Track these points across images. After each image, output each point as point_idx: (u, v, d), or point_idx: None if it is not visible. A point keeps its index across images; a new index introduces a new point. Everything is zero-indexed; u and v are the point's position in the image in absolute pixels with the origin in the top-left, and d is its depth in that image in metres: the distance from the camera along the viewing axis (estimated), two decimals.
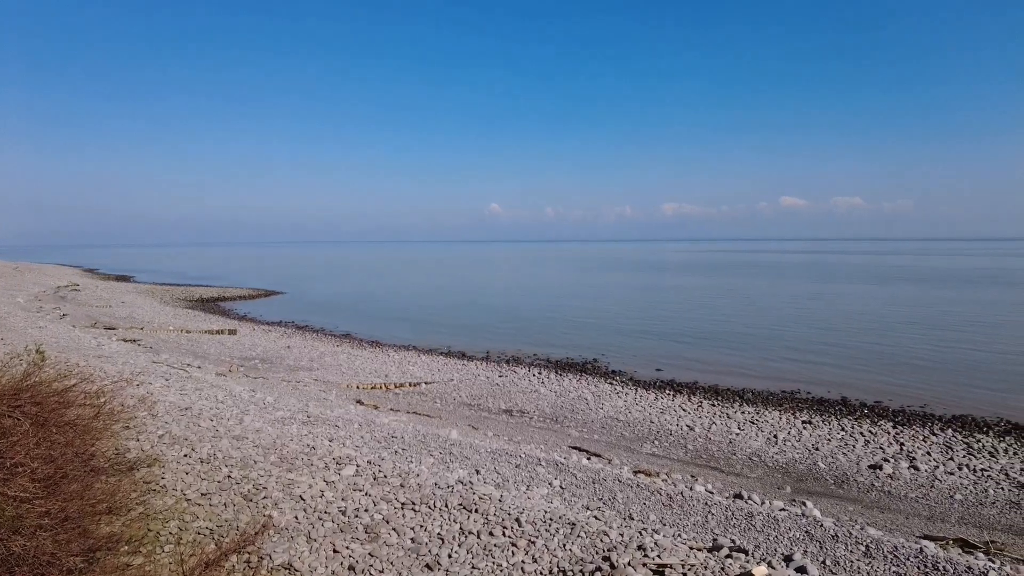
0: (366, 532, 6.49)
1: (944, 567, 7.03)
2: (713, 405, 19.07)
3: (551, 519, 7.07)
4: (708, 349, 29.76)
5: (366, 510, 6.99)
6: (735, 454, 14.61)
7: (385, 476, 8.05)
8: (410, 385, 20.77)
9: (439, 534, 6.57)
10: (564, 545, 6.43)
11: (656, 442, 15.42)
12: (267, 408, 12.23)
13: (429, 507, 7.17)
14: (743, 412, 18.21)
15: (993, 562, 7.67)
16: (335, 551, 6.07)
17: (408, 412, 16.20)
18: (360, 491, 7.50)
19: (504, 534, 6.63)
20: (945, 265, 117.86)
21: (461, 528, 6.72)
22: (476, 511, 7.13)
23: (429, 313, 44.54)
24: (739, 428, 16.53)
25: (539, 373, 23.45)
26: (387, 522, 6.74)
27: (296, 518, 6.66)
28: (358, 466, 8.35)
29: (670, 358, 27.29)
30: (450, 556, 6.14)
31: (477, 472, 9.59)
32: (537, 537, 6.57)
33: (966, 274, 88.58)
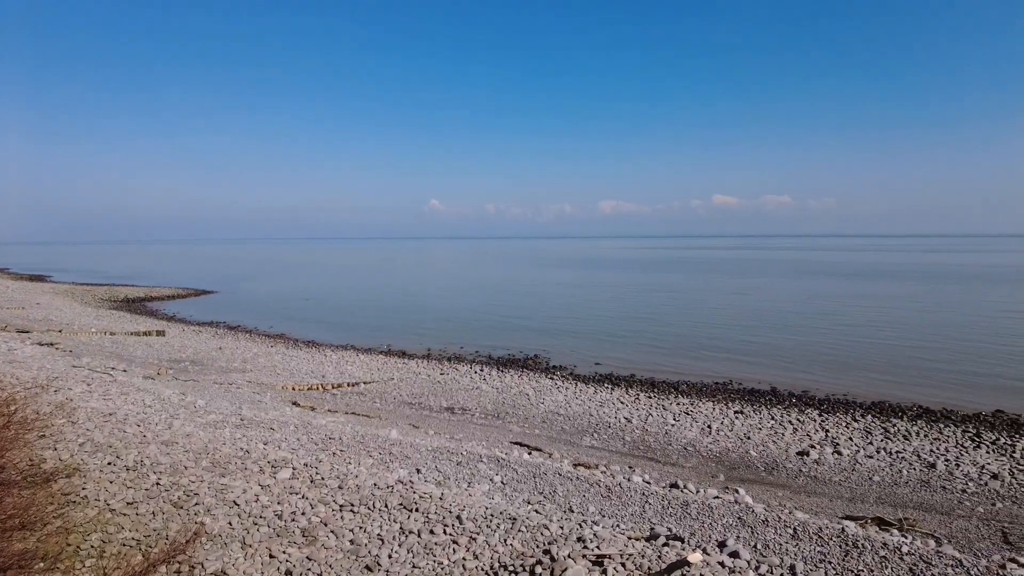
0: (303, 536, 6.37)
1: (863, 544, 7.43)
2: (650, 397, 19.54)
3: (492, 515, 7.10)
4: (645, 343, 30.46)
5: (303, 513, 6.85)
6: (671, 444, 15.02)
7: (323, 478, 7.91)
8: (348, 385, 20.43)
9: (379, 535, 6.51)
10: (505, 540, 6.48)
11: (595, 435, 15.68)
12: (198, 412, 11.80)
13: (368, 508, 7.09)
14: (678, 403, 18.74)
15: (906, 537, 8.18)
16: (271, 556, 5.93)
17: (346, 413, 15.93)
18: (297, 494, 7.35)
19: (445, 532, 6.63)
20: (863, 260, 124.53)
21: (401, 528, 6.68)
22: (416, 510, 7.10)
23: (367, 312, 43.90)
24: (675, 419, 17.00)
25: (481, 370, 23.47)
26: (325, 524, 6.63)
27: (230, 524, 6.47)
28: (295, 469, 8.17)
29: (609, 352, 27.78)
30: (390, 556, 6.10)
31: (418, 471, 9.53)
32: (478, 533, 6.59)
33: (882, 269, 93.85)
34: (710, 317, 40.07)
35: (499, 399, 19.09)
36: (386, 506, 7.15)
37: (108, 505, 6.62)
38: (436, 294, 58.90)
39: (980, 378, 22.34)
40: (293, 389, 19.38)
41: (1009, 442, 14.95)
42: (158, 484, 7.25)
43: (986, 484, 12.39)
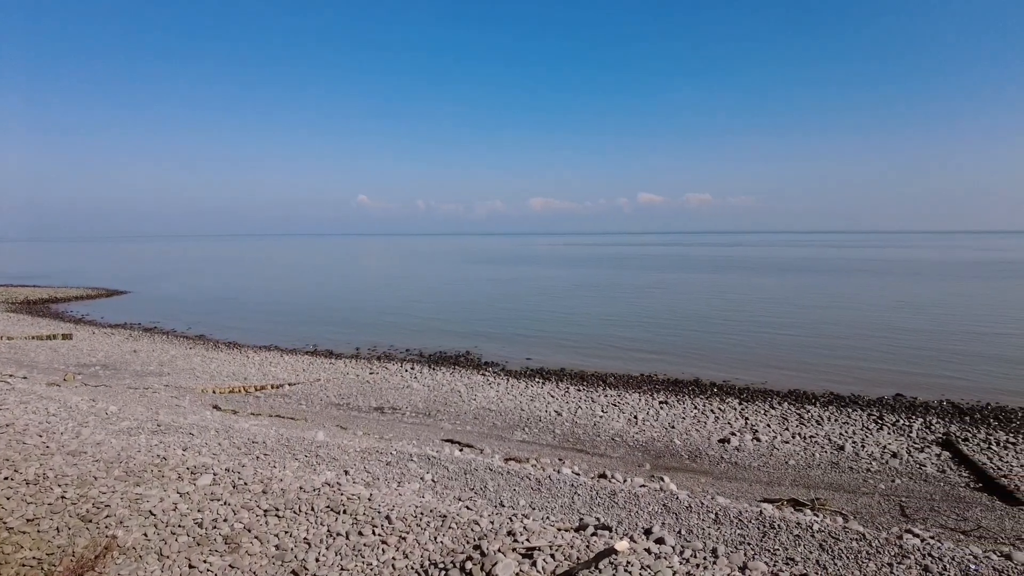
0: (226, 543, 6.14)
1: (779, 525, 7.83)
2: (579, 390, 19.90)
3: (422, 513, 7.06)
4: (574, 337, 30.97)
5: (225, 520, 6.61)
6: (599, 436, 15.34)
7: (246, 483, 7.65)
8: (272, 387, 19.82)
9: (305, 538, 6.36)
10: (435, 538, 6.46)
11: (527, 429, 15.83)
12: (110, 419, 11.17)
13: (294, 512, 6.91)
14: (606, 395, 19.17)
15: (817, 516, 8.67)
16: (191, 566, 5.70)
17: (271, 415, 15.46)
18: (218, 500, 7.08)
19: (374, 532, 6.54)
20: (779, 255, 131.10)
21: (329, 530, 6.55)
22: (344, 512, 6.97)
23: (293, 311, 42.62)
24: (603, 411, 17.37)
25: (412, 368, 23.25)
26: (249, 531, 6.42)
27: (145, 535, 6.16)
28: (215, 474, 7.87)
29: (539, 347, 28.11)
30: (317, 560, 5.97)
31: (346, 473, 9.35)
32: (408, 532, 6.54)
33: (795, 264, 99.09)
34: (636, 311, 41.14)
35: (430, 397, 18.98)
36: (313, 509, 6.99)
37: (4, 523, 6.18)
38: (365, 292, 57.83)
39: (882, 364, 23.92)
40: (214, 392, 18.64)
41: (907, 423, 16.09)
42: (63, 498, 6.82)
43: (887, 463, 13.29)
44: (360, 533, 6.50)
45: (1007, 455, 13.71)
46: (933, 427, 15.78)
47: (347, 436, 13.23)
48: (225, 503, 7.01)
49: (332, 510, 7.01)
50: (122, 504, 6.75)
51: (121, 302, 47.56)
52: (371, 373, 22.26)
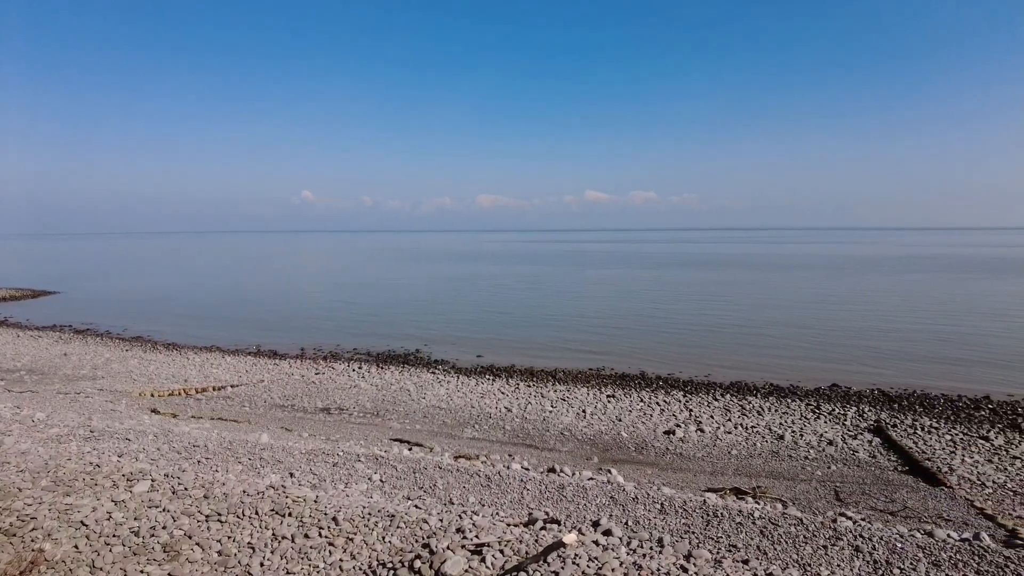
0: (165, 551, 5.93)
1: (722, 513, 8.07)
2: (529, 386, 20.02)
3: (370, 514, 6.98)
4: (523, 333, 31.14)
5: (164, 527, 6.38)
6: (548, 431, 15.48)
7: (186, 488, 7.40)
8: (214, 389, 19.23)
9: (249, 543, 6.20)
10: (384, 538, 6.39)
11: (477, 426, 15.83)
12: (37, 426, 10.63)
13: (238, 516, 6.73)
14: (556, 391, 19.35)
15: (758, 503, 8.97)
16: None
17: (213, 418, 15.00)
18: (157, 507, 6.82)
19: (321, 535, 6.43)
20: (719, 252, 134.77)
21: (274, 534, 6.40)
22: (290, 515, 6.83)
23: (234, 311, 41.39)
24: (552, 406, 17.53)
25: (359, 368, 22.93)
26: (190, 537, 6.21)
27: (76, 547, 5.89)
28: (153, 480, 7.58)
29: (490, 344, 28.13)
30: (262, 564, 5.83)
31: (291, 475, 9.16)
32: (355, 533, 6.45)
33: (734, 260, 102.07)
34: (583, 307, 41.64)
35: (378, 396, 18.76)
36: (257, 513, 6.82)
37: None
38: (309, 290, 56.55)
39: (818, 355, 24.91)
40: (152, 395, 17.97)
41: (842, 412, 16.80)
42: None
43: (824, 450, 13.86)
44: (306, 536, 6.38)
45: (931, 439, 14.49)
46: (865, 415, 16.53)
47: (292, 438, 12.96)
48: (164, 510, 6.77)
49: (277, 513, 6.85)
50: (50, 516, 6.44)
51: (49, 303, 45.23)
52: (317, 373, 21.85)
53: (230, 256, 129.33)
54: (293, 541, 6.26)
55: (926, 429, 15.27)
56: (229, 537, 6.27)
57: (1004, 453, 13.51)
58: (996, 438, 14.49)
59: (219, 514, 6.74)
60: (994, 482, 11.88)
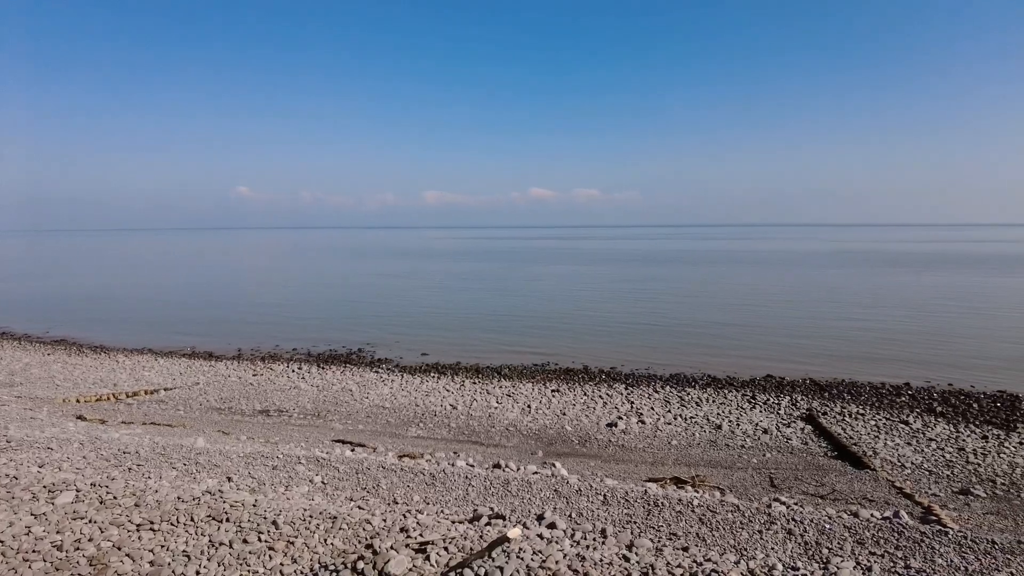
0: (91, 564, 5.66)
1: (662, 503, 8.26)
2: (474, 383, 19.99)
3: (312, 516, 6.85)
4: (469, 331, 31.06)
5: (90, 539, 6.09)
6: (494, 427, 15.51)
7: (115, 498, 7.09)
8: (146, 393, 18.45)
9: (184, 551, 5.98)
10: (326, 540, 6.28)
11: (421, 424, 15.72)
12: None
13: (172, 524, 6.48)
14: (501, 387, 19.40)
15: (697, 492, 9.22)
16: None
17: (145, 423, 14.41)
18: (83, 519, 6.50)
19: (260, 539, 6.26)
20: (660, 248, 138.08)
21: (211, 540, 6.19)
22: (228, 520, 6.62)
23: (167, 311, 39.70)
24: (497, 402, 17.57)
25: (299, 368, 22.40)
26: (119, 548, 5.94)
27: None
28: (79, 491, 7.23)
29: (435, 342, 27.93)
30: (198, 572, 5.63)
31: (229, 479, 8.89)
32: (296, 537, 6.32)
33: (674, 255, 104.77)
34: (528, 302, 41.84)
35: (320, 397, 18.39)
36: (192, 519, 6.59)
37: None
38: (247, 289, 54.79)
39: (753, 347, 25.80)
40: (78, 401, 17.10)
41: (776, 401, 17.45)
42: None
43: (759, 438, 14.36)
44: (245, 541, 6.21)
45: (858, 425, 15.22)
46: (798, 404, 17.21)
47: (230, 441, 12.58)
48: (91, 521, 6.45)
49: (214, 519, 6.64)
50: None
51: None
52: (255, 375, 21.25)
53: (162, 254, 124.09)
54: (231, 547, 6.08)
55: (853, 416, 16.02)
56: (162, 546, 6.04)
57: (921, 436, 14.31)
58: (915, 422, 15.34)
59: (151, 523, 6.48)
60: (912, 463, 12.58)
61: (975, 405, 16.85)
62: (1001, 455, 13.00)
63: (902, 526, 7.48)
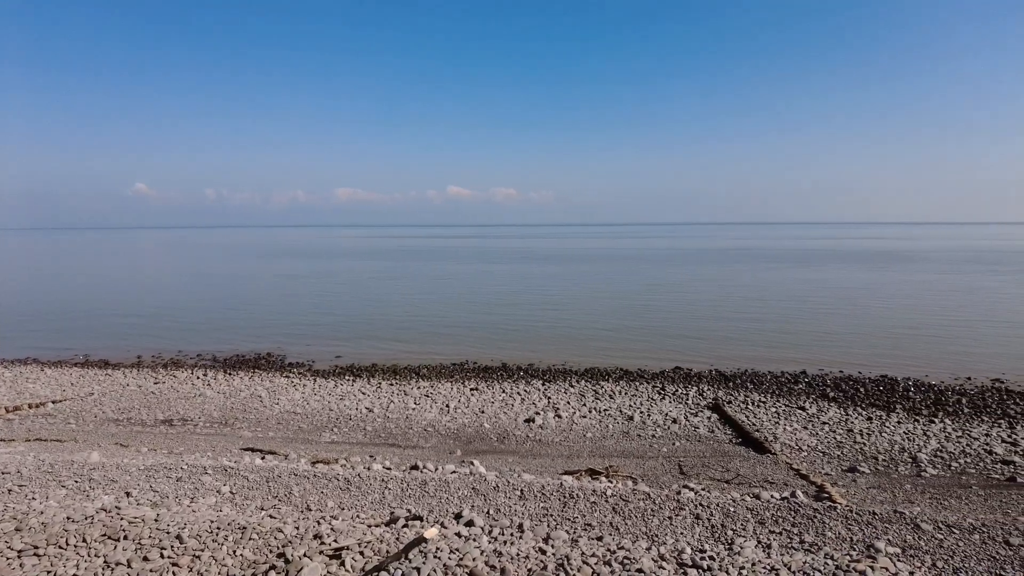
0: None
1: (577, 494, 8.45)
2: (391, 384, 19.72)
3: (219, 528, 6.56)
4: (384, 331, 30.58)
5: None
6: (412, 428, 15.36)
7: None
8: (31, 406, 17.05)
9: (75, 575, 5.58)
10: (235, 551, 6.04)
11: (336, 429, 15.35)
12: None
13: (60, 547, 6.03)
14: (419, 387, 19.23)
15: (611, 482, 9.50)
16: None
17: (29, 440, 13.32)
18: None
19: (163, 555, 5.94)
20: (574, 247, 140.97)
21: (106, 561, 5.81)
22: (125, 538, 6.24)
23: (55, 318, 36.74)
24: (415, 403, 17.41)
25: (205, 375, 21.35)
26: None
27: None
28: None
29: (349, 344, 27.33)
30: None
31: (128, 495, 8.36)
32: (203, 550, 6.03)
33: (588, 254, 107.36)
34: (437, 301, 41.67)
35: (227, 404, 17.59)
36: (85, 540, 6.16)
37: None
38: (146, 292, 51.55)
39: (661, 339, 26.83)
40: None
41: (684, 392, 18.21)
42: None
43: (669, 428, 14.94)
44: (145, 559, 5.86)
45: (760, 412, 16.11)
46: (705, 394, 18.04)
47: (129, 454, 11.83)
48: None
49: (110, 538, 6.24)
50: None
51: None
52: (156, 383, 20.07)
53: (54, 256, 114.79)
54: (130, 566, 5.73)
55: (756, 404, 16.95)
56: (48, 572, 5.61)
57: (816, 420, 15.34)
58: (810, 407, 16.42)
59: (35, 547, 6.00)
60: (808, 446, 13.47)
61: (862, 389, 18.23)
62: (883, 434, 14.14)
63: (798, 505, 8.00)
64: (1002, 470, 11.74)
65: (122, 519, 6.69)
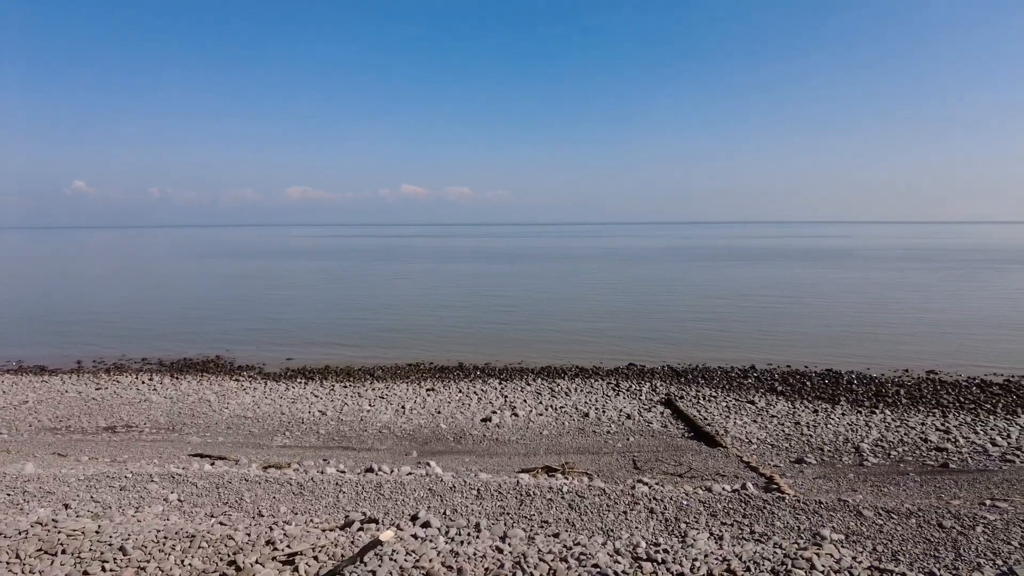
0: None
1: (534, 492, 8.49)
2: (345, 387, 19.42)
3: (166, 537, 6.35)
4: (337, 332, 30.10)
5: None
6: (366, 430, 15.16)
7: None
8: None
9: None
10: (183, 561, 5.85)
11: (288, 433, 15.04)
12: None
13: None
14: (374, 389, 18.99)
15: (567, 479, 9.57)
16: None
17: None
18: None
19: (104, 568, 5.71)
20: (529, 245, 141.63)
21: None
22: (64, 552, 5.97)
23: None
24: (370, 405, 17.19)
25: (150, 379, 20.61)
26: None
27: None
28: None
29: (301, 345, 26.81)
30: None
31: (66, 506, 8.01)
32: (148, 561, 5.82)
33: (542, 252, 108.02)
34: (399, 301, 41.31)
35: (174, 410, 17.03)
36: (18, 557, 5.87)
37: None
38: (87, 294, 49.43)
39: (614, 336, 27.20)
40: None
41: (638, 388, 18.48)
42: None
43: (623, 424, 15.15)
44: (85, 573, 5.62)
45: (711, 407, 16.48)
46: (658, 389, 18.34)
47: (68, 464, 11.34)
48: None
49: (46, 552, 5.96)
50: None
51: None
52: (98, 389, 19.28)
53: None
54: None
55: (707, 398, 17.33)
56: None
57: (765, 413, 15.78)
58: (759, 401, 16.88)
59: None
60: (758, 439, 13.84)
61: (808, 383, 18.83)
62: (828, 426, 14.64)
63: (748, 496, 8.21)
64: (936, 457, 12.32)
65: (60, 532, 6.40)
